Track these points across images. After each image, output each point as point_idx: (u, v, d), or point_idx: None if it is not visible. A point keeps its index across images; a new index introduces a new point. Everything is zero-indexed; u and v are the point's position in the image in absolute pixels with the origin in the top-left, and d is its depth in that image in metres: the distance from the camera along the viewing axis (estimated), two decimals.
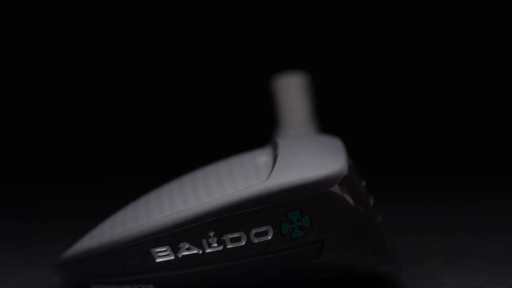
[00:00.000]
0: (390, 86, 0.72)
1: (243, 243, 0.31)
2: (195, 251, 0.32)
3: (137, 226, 0.33)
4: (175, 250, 0.32)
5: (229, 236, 0.31)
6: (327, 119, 0.49)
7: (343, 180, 0.32)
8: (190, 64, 0.73)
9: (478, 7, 0.70)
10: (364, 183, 0.34)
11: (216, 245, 0.32)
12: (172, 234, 0.32)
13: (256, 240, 0.31)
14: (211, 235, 0.32)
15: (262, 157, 0.35)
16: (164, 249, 0.32)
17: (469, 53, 0.70)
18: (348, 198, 0.32)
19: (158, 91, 0.74)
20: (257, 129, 0.53)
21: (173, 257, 0.32)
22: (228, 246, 0.31)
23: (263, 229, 0.31)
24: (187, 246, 0.32)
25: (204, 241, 0.32)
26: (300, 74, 0.47)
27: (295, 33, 0.72)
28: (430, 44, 0.71)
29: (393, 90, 0.72)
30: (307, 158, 0.33)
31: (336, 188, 0.31)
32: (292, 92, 0.45)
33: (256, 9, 0.72)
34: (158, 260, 0.32)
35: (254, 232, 0.31)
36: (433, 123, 0.71)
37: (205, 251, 0.32)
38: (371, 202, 0.34)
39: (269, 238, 0.31)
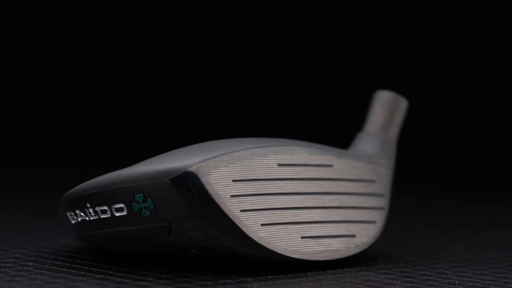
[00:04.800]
0: (393, 86, 0.72)
1: (109, 215, 0.37)
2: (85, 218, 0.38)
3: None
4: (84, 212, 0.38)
5: (99, 208, 0.37)
6: (328, 117, 0.49)
7: (184, 175, 0.35)
8: (190, 64, 0.73)
9: (478, 7, 0.70)
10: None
11: (93, 214, 0.37)
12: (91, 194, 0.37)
13: (117, 214, 0.36)
14: (88, 206, 0.37)
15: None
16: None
17: (471, 52, 0.71)
18: (186, 190, 0.35)
19: (158, 91, 0.74)
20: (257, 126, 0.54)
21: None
22: (101, 216, 0.37)
23: (120, 205, 0.36)
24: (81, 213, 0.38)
25: (86, 210, 0.38)
26: (406, 101, 0.47)
27: (295, 33, 0.72)
28: (430, 44, 0.71)
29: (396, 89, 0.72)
30: (179, 153, 0.37)
31: (177, 179, 0.35)
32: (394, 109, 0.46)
33: (256, 9, 0.73)
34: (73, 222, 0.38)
35: (114, 207, 0.36)
36: (436, 122, 0.71)
37: (90, 218, 0.38)
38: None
39: (125, 213, 0.36)
